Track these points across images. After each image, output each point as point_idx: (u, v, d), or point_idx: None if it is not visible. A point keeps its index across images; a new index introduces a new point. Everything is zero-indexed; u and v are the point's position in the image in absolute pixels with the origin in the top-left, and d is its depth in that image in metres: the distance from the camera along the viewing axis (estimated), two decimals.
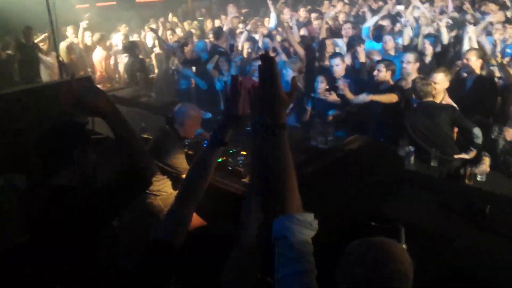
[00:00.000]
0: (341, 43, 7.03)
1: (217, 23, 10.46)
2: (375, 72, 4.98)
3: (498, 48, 5.67)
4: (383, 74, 4.92)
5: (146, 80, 7.45)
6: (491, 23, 6.44)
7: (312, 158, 2.75)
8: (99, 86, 7.68)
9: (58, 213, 2.00)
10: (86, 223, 1.99)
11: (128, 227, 3.49)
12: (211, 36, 7.95)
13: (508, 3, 8.11)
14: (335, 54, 5.63)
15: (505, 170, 4.21)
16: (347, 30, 7.19)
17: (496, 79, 5.04)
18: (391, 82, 5.03)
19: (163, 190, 3.89)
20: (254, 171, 1.74)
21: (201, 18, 12.11)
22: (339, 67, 5.43)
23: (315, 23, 8.21)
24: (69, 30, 9.02)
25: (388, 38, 6.34)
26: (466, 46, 5.66)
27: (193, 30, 9.58)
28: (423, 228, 2.85)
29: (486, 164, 4.14)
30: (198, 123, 3.98)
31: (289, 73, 5.48)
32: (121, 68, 8.22)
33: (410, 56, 5.00)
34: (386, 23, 7.51)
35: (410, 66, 4.93)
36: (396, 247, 1.43)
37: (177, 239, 1.68)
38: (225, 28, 8.76)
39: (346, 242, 1.52)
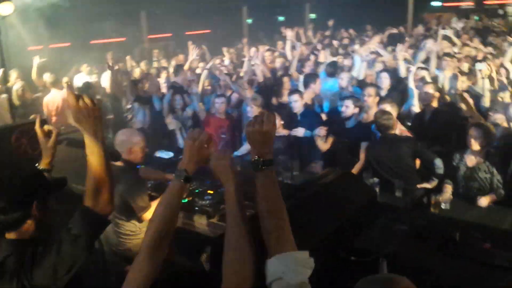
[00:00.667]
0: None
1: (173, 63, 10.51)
2: (343, 108, 5.07)
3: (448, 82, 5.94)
4: (350, 110, 5.01)
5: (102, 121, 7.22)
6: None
7: (287, 194, 2.70)
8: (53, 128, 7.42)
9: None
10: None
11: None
12: (170, 73, 7.89)
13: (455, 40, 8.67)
14: (293, 91, 5.68)
15: (467, 196, 4.32)
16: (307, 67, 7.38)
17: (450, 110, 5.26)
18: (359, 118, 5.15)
19: (129, 231, 3.75)
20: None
21: (155, 60, 12.11)
22: (297, 103, 5.47)
23: (276, 60, 8.38)
24: (13, 74, 8.66)
25: (344, 75, 6.50)
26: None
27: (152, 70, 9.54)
28: (399, 260, 2.83)
29: (448, 192, 4.26)
30: (141, 141, 3.84)
31: (252, 110, 5.49)
32: None
33: (371, 90, 5.14)
34: (340, 59, 7.77)
35: (371, 99, 5.06)
36: (404, 283, 1.37)
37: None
38: (185, 66, 8.80)
39: (328, 279, 1.46)
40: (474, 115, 4.63)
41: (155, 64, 10.75)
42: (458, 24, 11.78)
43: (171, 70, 8.82)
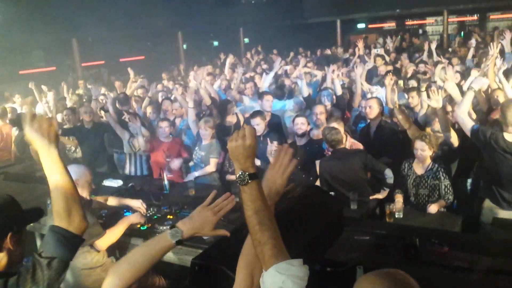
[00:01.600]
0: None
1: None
2: (298, 127, 5.18)
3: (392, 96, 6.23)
4: (305, 127, 5.16)
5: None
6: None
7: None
8: None
9: None
10: None
11: None
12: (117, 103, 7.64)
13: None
14: (255, 113, 5.66)
15: (417, 203, 4.52)
16: (249, 89, 7.48)
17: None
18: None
19: (101, 262, 3.63)
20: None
21: (90, 87, 11.75)
22: (259, 126, 5.44)
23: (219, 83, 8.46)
24: None
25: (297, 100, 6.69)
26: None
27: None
28: (368, 269, 2.88)
29: (400, 201, 4.43)
30: (89, 175, 3.78)
31: (207, 132, 5.51)
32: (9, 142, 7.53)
33: (321, 107, 5.31)
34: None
35: (323, 116, 5.22)
36: (404, 275, 1.41)
37: None
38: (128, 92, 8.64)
39: None
40: (411, 127, 4.89)
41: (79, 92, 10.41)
42: (389, 44, 12.52)
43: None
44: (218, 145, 5.59)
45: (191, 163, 5.98)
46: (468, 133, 4.17)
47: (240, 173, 1.61)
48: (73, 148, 6.98)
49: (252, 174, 1.61)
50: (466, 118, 4.19)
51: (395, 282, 1.36)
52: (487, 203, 4.27)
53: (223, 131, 6.02)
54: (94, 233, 3.46)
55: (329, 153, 4.95)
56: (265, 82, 7.70)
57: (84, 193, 3.70)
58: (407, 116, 5.03)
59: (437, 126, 4.96)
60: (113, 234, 3.69)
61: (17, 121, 7.21)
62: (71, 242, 1.83)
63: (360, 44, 10.86)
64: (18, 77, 12.46)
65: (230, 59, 10.20)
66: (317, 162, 4.83)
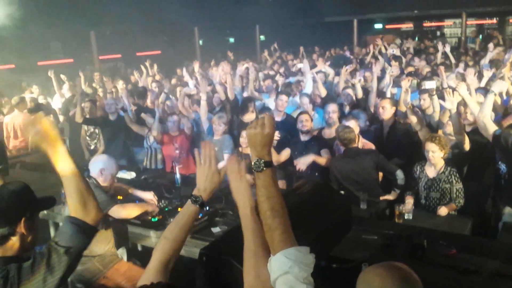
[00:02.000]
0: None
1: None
2: (303, 124, 5.21)
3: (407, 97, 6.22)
4: (309, 123, 5.18)
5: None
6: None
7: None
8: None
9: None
10: None
11: None
12: (135, 96, 7.73)
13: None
14: (263, 109, 5.74)
15: (428, 206, 4.51)
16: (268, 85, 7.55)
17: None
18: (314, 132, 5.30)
19: (96, 250, 3.68)
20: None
21: (105, 80, 11.89)
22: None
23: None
24: None
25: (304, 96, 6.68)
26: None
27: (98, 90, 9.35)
28: None
29: (410, 203, 4.42)
30: (115, 169, 4.03)
31: (220, 128, 5.60)
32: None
33: (334, 106, 5.33)
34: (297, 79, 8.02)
35: (335, 115, 5.24)
36: (408, 269, 1.45)
37: None
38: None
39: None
40: (422, 129, 4.89)
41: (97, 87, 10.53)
42: (406, 45, 12.43)
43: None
44: (231, 140, 5.65)
45: None
46: (490, 138, 4.14)
47: (256, 160, 1.66)
48: (93, 140, 7.08)
49: (267, 161, 1.66)
50: (488, 122, 4.15)
51: (400, 274, 1.40)
52: (508, 209, 4.24)
53: (243, 128, 6.05)
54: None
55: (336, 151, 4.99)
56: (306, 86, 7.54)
57: (105, 182, 3.88)
58: (420, 118, 5.01)
59: (449, 129, 4.94)
60: (132, 209, 3.92)
61: (36, 110, 7.32)
62: (87, 233, 1.91)
63: (379, 42, 10.85)
64: (36, 68, 12.65)
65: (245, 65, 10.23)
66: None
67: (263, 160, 1.66)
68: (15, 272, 1.79)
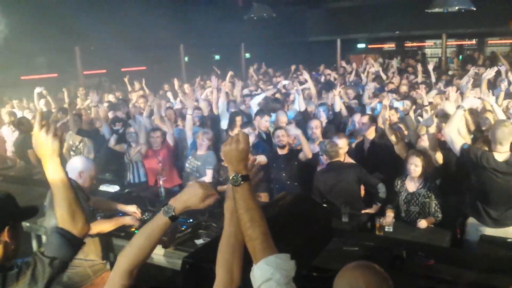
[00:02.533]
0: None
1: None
2: (279, 139, 5.34)
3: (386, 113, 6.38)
4: (285, 138, 5.33)
5: (36, 156, 6.96)
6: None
7: None
8: None
9: None
10: None
11: None
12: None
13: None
14: (246, 124, 5.87)
15: (408, 219, 4.61)
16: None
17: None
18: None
19: (92, 257, 3.72)
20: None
21: (90, 95, 11.87)
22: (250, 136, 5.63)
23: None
24: None
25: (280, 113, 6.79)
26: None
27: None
28: None
29: (391, 216, 4.51)
30: (94, 171, 3.94)
31: (204, 143, 5.71)
32: (8, 145, 7.62)
33: (316, 122, 5.46)
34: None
35: (318, 131, 5.35)
36: (379, 268, 1.56)
37: None
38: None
39: None
40: (398, 143, 5.05)
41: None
42: (392, 63, 12.68)
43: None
44: (214, 156, 5.71)
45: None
46: (457, 152, 4.26)
47: (234, 174, 1.73)
48: (78, 146, 7.05)
49: (244, 176, 1.73)
50: (455, 136, 4.27)
51: (374, 272, 1.48)
52: (471, 220, 4.37)
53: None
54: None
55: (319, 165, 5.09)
56: (254, 102, 7.71)
57: (85, 185, 3.82)
58: (396, 133, 5.16)
59: (422, 144, 5.08)
60: (104, 224, 3.84)
61: (17, 124, 7.29)
62: (73, 244, 1.93)
63: (370, 60, 11.14)
64: (20, 82, 12.59)
65: (230, 74, 10.36)
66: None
67: (240, 175, 1.72)
68: (0, 280, 1.80)
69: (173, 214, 1.81)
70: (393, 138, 5.04)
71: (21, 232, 2.03)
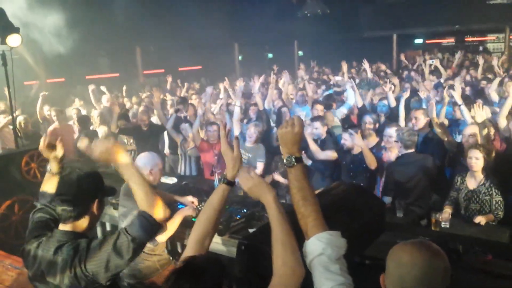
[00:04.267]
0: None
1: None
2: (342, 141, 5.35)
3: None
4: (349, 142, 5.25)
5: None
6: None
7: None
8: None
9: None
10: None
11: None
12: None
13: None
14: (316, 117, 5.87)
15: (467, 216, 4.49)
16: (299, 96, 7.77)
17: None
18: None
19: (159, 252, 3.91)
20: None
21: (149, 93, 12.35)
22: (318, 130, 5.69)
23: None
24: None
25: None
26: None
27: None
28: None
29: (448, 211, 4.42)
30: (161, 164, 4.09)
31: (254, 136, 5.81)
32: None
33: (369, 118, 5.51)
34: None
35: (371, 126, 5.39)
36: (435, 245, 1.55)
37: None
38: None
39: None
40: (448, 139, 4.96)
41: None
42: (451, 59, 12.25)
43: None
44: (264, 148, 5.82)
45: None
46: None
47: (288, 156, 1.81)
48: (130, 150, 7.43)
49: (297, 158, 1.81)
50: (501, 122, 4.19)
51: (427, 249, 1.48)
52: None
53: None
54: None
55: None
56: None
57: (155, 181, 3.96)
58: (445, 129, 5.07)
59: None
60: (172, 226, 3.96)
61: (80, 121, 7.74)
62: (152, 228, 2.12)
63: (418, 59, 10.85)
64: (84, 82, 13.31)
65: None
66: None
67: (294, 156, 1.80)
68: (85, 245, 2.04)
69: (228, 180, 2.03)
70: (441, 133, 4.98)
71: (104, 206, 2.28)
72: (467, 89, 8.33)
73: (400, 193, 4.76)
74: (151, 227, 2.09)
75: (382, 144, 5.38)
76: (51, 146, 2.70)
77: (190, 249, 1.93)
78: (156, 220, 2.10)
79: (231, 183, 2.05)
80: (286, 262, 1.71)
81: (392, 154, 5.14)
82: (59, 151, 2.70)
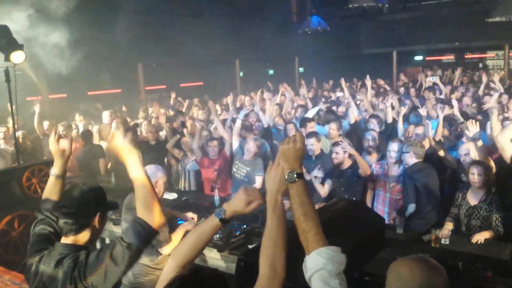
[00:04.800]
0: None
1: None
2: (333, 155, 5.36)
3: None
4: (341, 155, 5.31)
5: (105, 166, 7.40)
6: None
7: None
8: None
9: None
10: None
11: None
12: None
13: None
14: (311, 134, 5.91)
15: (468, 233, 4.48)
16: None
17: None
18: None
19: (164, 266, 3.85)
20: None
21: (150, 108, 12.43)
22: (314, 147, 5.72)
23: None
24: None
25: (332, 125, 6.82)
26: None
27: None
28: None
29: (448, 228, 4.42)
30: (165, 176, 4.08)
31: (253, 149, 5.88)
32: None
33: (374, 133, 5.57)
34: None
35: (375, 143, 5.45)
36: (434, 260, 1.57)
37: None
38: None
39: None
40: (446, 155, 5.03)
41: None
42: (450, 76, 12.33)
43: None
44: (262, 162, 5.85)
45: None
46: (508, 159, 4.18)
47: (289, 172, 1.84)
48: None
49: (299, 173, 1.84)
50: (506, 144, 4.22)
51: (427, 265, 1.50)
52: None
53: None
54: (163, 238, 3.72)
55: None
56: (309, 115, 7.90)
57: (159, 193, 3.91)
58: (442, 146, 5.20)
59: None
60: (175, 239, 3.96)
61: (84, 136, 7.78)
62: (148, 234, 2.13)
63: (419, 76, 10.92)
64: (85, 98, 13.42)
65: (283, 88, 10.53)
66: None
67: (295, 172, 1.82)
68: (84, 257, 2.06)
69: (223, 217, 1.93)
70: (439, 149, 5.09)
71: (106, 221, 2.29)
72: (473, 105, 8.39)
73: (421, 200, 4.89)
74: (146, 233, 2.10)
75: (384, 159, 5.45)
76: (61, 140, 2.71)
77: (170, 270, 1.89)
78: (151, 226, 2.11)
79: (225, 222, 1.96)
80: (275, 265, 1.73)
81: (393, 167, 5.25)
82: (67, 149, 2.68)
